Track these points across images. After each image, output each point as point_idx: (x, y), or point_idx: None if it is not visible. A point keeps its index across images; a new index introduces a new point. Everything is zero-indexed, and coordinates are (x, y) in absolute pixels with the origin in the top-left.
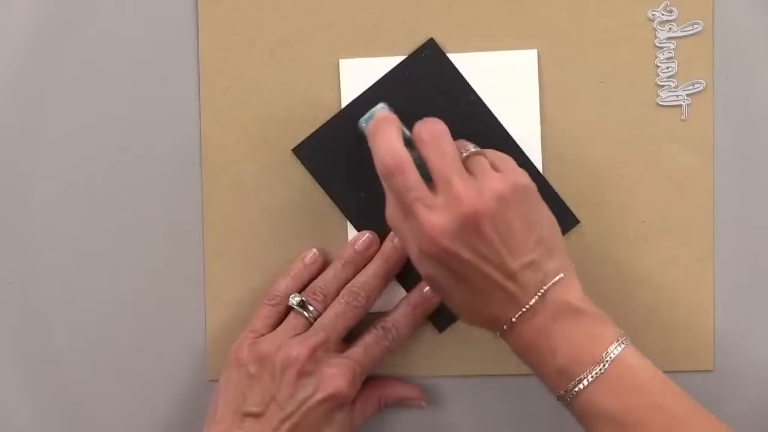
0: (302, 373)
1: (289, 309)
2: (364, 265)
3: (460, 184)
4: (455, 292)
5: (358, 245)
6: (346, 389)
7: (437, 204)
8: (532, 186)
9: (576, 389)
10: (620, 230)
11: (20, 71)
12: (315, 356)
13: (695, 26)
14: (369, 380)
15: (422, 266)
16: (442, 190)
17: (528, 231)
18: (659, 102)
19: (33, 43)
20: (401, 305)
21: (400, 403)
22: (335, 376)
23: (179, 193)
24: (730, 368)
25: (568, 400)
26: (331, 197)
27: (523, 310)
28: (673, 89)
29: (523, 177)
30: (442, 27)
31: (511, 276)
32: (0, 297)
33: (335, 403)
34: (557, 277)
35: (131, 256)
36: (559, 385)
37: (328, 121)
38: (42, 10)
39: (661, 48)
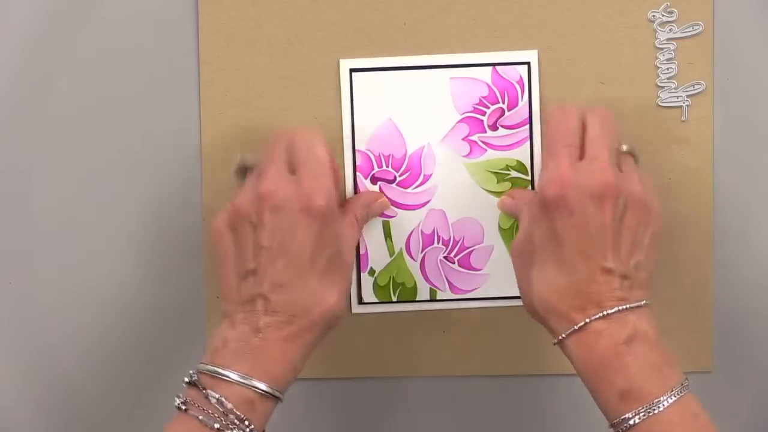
0: (274, 209)
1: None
2: None
3: (607, 161)
4: (543, 261)
5: None
6: (315, 197)
7: (580, 163)
8: (662, 226)
9: (633, 420)
10: None
11: (20, 72)
12: (278, 187)
13: (695, 27)
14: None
15: (530, 217)
16: (591, 159)
17: (636, 249)
18: (659, 103)
19: (33, 43)
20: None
21: (372, 210)
22: (300, 193)
23: (179, 193)
24: (729, 368)
25: (621, 429)
26: None
27: (602, 314)
28: (673, 90)
29: (660, 207)
30: (442, 27)
31: (605, 272)
32: (0, 297)
33: (312, 216)
34: (642, 302)
35: (131, 257)
36: (617, 410)
37: None
38: (42, 10)
39: (662, 49)
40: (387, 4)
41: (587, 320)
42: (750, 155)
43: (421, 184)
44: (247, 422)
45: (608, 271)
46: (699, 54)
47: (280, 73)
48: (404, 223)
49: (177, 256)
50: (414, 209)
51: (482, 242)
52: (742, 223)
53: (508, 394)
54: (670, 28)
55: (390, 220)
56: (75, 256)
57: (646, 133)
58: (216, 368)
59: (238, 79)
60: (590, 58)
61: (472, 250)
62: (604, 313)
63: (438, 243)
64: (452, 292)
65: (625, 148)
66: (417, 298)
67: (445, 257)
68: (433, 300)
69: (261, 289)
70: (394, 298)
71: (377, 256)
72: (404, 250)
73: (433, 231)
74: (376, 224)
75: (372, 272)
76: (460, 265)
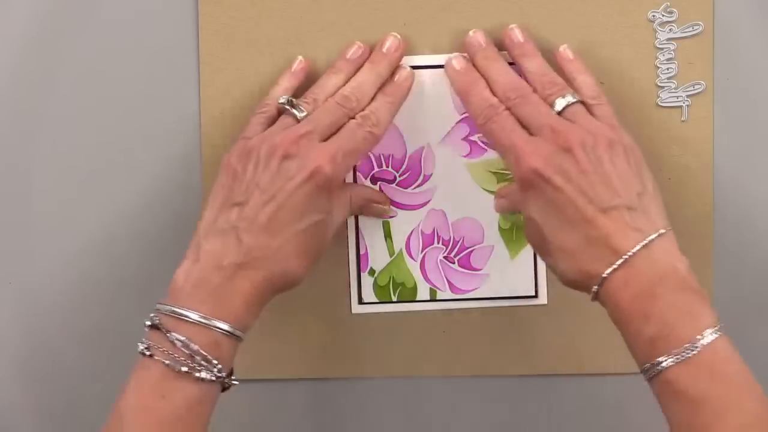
0: (285, 157)
1: (280, 114)
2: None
3: (556, 121)
4: (551, 232)
5: (349, 54)
6: (327, 166)
7: (535, 138)
8: (640, 152)
9: (661, 365)
10: None
11: (20, 71)
12: (299, 142)
13: (695, 27)
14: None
15: (523, 204)
16: (539, 133)
17: (630, 179)
18: (659, 103)
19: (33, 43)
20: (377, 95)
21: (369, 208)
22: (317, 156)
23: (179, 194)
24: None
25: (651, 375)
26: None
27: (624, 259)
28: (673, 90)
29: (631, 138)
30: (442, 27)
31: (606, 211)
32: (0, 297)
33: (317, 182)
34: (661, 230)
35: (132, 257)
36: (646, 356)
37: None
38: (42, 10)
39: (662, 49)
40: (387, 4)
41: (614, 267)
42: (750, 155)
43: (421, 184)
44: (215, 362)
45: (611, 209)
46: (699, 54)
47: (280, 73)
48: (404, 223)
49: (177, 257)
50: (414, 209)
51: (482, 242)
52: (742, 223)
53: (507, 395)
54: (670, 28)
55: (390, 220)
56: (75, 256)
57: (646, 133)
58: (177, 308)
59: (238, 79)
60: (590, 57)
61: (472, 250)
62: (625, 257)
63: (438, 243)
64: (452, 292)
65: (571, 99)
66: (417, 298)
67: (445, 257)
68: (433, 300)
69: (239, 223)
70: (394, 298)
71: (377, 256)
72: (404, 250)
73: (433, 231)
74: (376, 224)
75: (372, 272)
76: (460, 265)
